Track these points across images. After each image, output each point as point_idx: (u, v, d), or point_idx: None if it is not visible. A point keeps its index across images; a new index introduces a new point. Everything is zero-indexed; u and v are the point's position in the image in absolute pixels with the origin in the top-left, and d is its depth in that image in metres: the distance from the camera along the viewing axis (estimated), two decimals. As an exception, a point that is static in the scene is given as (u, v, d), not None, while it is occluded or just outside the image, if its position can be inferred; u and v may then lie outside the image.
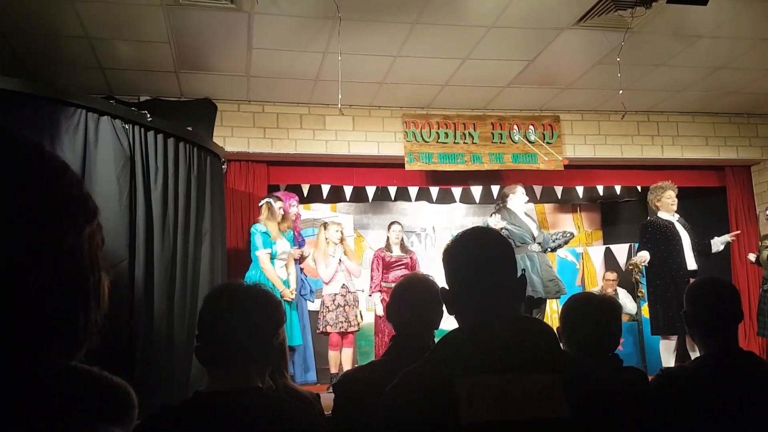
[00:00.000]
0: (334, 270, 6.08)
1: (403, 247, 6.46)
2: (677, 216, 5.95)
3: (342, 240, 6.22)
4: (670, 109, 7.36)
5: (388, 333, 6.10)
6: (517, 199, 5.96)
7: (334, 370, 6.05)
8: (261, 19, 4.96)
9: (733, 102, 7.21)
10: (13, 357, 0.56)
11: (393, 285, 6.06)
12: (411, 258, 6.46)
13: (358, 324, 6.14)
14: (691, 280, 5.55)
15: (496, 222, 5.65)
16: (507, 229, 5.70)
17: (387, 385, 1.40)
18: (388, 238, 6.46)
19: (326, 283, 6.09)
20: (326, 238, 6.18)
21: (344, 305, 6.03)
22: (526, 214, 6.07)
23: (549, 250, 6.07)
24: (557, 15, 5.05)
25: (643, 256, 5.77)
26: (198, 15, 4.88)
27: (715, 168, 7.86)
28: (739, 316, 2.20)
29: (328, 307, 6.02)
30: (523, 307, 5.80)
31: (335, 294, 6.02)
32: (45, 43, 5.25)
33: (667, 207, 5.92)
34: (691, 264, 5.74)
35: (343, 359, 6.04)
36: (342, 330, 5.99)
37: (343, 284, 6.08)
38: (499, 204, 6.12)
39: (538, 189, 8.04)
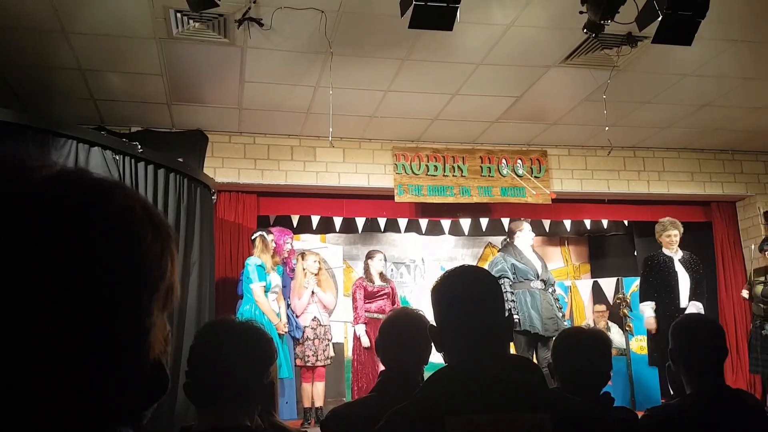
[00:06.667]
0: (306, 302, 6.04)
1: (382, 276, 6.43)
2: (681, 253, 6.02)
3: (319, 271, 6.19)
4: (656, 145, 7.47)
5: (356, 365, 6.06)
6: (524, 236, 5.98)
7: (306, 404, 6.00)
8: (254, 54, 5.02)
9: (718, 139, 7.33)
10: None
11: (375, 315, 6.13)
12: (391, 287, 6.42)
13: (330, 358, 6.09)
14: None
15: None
16: (513, 264, 5.75)
17: (376, 422, 1.40)
18: (369, 267, 6.36)
19: (298, 316, 6.04)
20: (303, 269, 6.15)
21: (314, 338, 5.98)
22: (534, 250, 6.08)
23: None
24: (545, 53, 5.15)
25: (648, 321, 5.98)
26: (191, 49, 4.94)
27: (701, 203, 7.95)
28: (724, 353, 2.21)
29: (298, 339, 5.99)
30: (524, 342, 5.72)
31: (305, 327, 5.98)
32: (37, 74, 5.27)
33: (666, 244, 6.04)
34: (685, 302, 5.83)
35: (314, 394, 5.98)
36: (310, 364, 5.93)
37: (315, 317, 6.03)
38: (507, 240, 6.15)
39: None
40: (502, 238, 8.74)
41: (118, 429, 0.59)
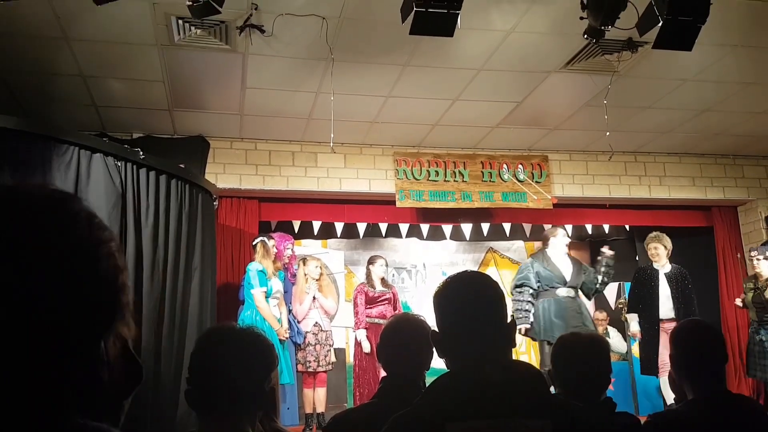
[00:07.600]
0: (308, 307, 6.04)
1: (384, 282, 6.43)
2: (669, 267, 6.12)
3: (321, 276, 6.20)
4: (657, 150, 7.47)
5: (358, 371, 6.07)
6: (557, 242, 5.98)
7: (308, 410, 6.00)
8: (255, 60, 5.03)
9: (719, 144, 7.33)
10: (38, 417, 0.57)
11: (376, 320, 6.14)
12: (393, 293, 6.43)
13: (331, 363, 6.10)
14: (663, 326, 5.80)
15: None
16: (538, 272, 5.72)
17: (378, 429, 1.40)
18: (370, 273, 6.38)
19: (299, 321, 6.04)
20: (305, 274, 6.16)
21: (315, 344, 5.99)
22: (568, 255, 6.04)
23: (595, 290, 6.03)
24: (545, 58, 5.15)
25: (632, 332, 6.19)
26: (193, 55, 4.95)
27: (703, 208, 7.94)
28: (724, 357, 2.21)
29: (299, 345, 5.99)
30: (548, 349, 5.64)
31: (306, 332, 5.99)
32: (39, 80, 5.29)
33: (651, 257, 6.17)
34: (665, 313, 5.94)
35: (316, 399, 5.98)
36: (311, 369, 5.93)
37: (316, 322, 6.04)
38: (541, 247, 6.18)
39: (527, 227, 8.10)
40: (503, 243, 8.77)
41: (90, 423, 0.60)
